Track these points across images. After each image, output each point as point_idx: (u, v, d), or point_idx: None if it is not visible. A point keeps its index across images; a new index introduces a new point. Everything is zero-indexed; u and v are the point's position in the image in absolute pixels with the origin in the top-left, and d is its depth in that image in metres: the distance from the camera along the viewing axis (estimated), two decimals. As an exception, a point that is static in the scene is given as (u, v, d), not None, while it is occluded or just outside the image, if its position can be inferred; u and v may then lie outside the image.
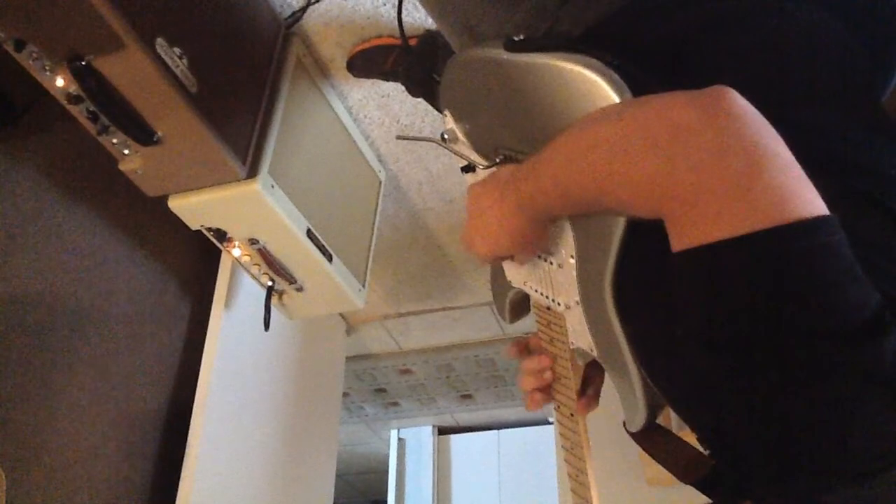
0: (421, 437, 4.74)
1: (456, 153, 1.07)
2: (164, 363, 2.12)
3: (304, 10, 2.04)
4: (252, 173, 1.77)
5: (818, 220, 0.57)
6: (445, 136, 1.07)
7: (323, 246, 2.03)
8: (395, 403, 4.34)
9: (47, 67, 1.45)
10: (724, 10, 0.90)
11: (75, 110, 1.54)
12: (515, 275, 1.05)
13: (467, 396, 4.28)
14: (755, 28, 0.88)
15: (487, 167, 1.00)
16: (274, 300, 2.18)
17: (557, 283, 0.92)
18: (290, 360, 2.60)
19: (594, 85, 0.77)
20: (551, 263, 0.92)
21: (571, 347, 0.93)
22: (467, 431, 4.80)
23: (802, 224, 0.57)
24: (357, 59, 2.16)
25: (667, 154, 0.62)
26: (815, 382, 0.55)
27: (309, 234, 1.96)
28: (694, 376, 0.64)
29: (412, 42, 2.03)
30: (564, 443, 0.92)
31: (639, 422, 0.82)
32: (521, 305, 1.11)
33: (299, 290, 2.15)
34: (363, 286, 2.28)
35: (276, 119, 1.88)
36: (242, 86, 1.80)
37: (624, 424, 0.86)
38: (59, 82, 1.47)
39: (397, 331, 3.57)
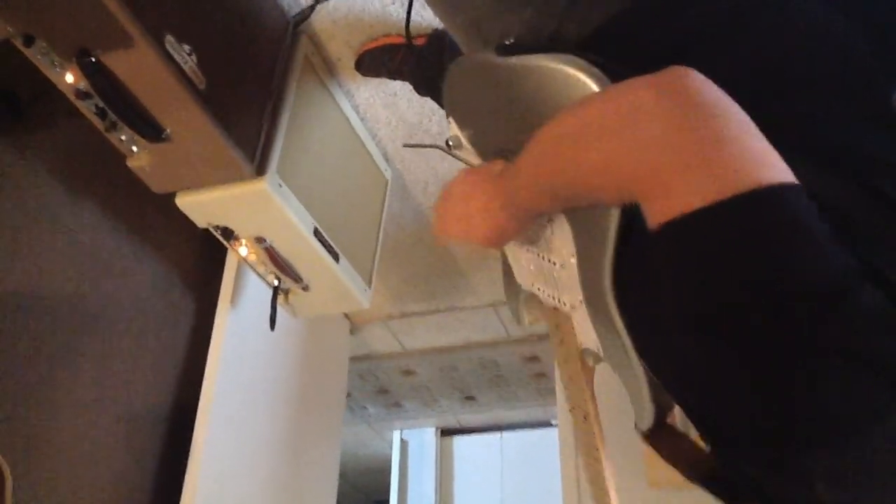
0: (423, 438, 4.73)
1: (461, 160, 1.07)
2: (168, 361, 2.11)
3: (312, 8, 2.04)
4: (260, 172, 1.77)
5: (781, 187, 0.58)
6: (450, 143, 1.08)
7: (330, 245, 2.02)
8: (398, 404, 4.33)
9: (56, 63, 1.44)
10: (725, 7, 0.90)
11: (84, 106, 1.53)
12: (524, 277, 1.05)
13: (470, 398, 4.27)
14: (756, 25, 0.88)
15: None
16: (279, 299, 2.17)
17: (561, 283, 0.93)
18: (294, 359, 2.60)
19: (577, 80, 0.79)
20: (554, 264, 0.93)
21: (581, 348, 0.93)
22: (470, 433, 4.79)
23: (765, 191, 0.57)
24: (365, 57, 2.15)
25: (622, 135, 0.63)
26: (786, 346, 0.55)
27: (316, 233, 1.95)
28: (678, 355, 0.64)
29: (420, 41, 2.03)
30: (581, 447, 0.92)
31: (647, 420, 0.82)
32: (534, 307, 1.11)
33: (305, 289, 2.14)
34: (369, 286, 2.27)
35: (284, 117, 1.88)
36: (250, 84, 1.80)
37: (635, 424, 0.85)
38: (69, 78, 1.46)
39: (401, 331, 3.56)
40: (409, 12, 1.85)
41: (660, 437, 0.85)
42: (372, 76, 2.19)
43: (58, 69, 1.46)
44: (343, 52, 2.18)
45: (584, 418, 0.92)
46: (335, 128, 2.18)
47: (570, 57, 0.81)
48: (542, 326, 1.03)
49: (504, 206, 0.86)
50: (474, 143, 1.05)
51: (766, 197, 0.57)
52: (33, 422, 1.68)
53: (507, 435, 4.72)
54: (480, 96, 1.01)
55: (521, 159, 0.79)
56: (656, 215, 0.61)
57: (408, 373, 3.92)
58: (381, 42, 2.12)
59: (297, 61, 2.00)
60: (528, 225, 0.90)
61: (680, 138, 0.60)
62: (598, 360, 0.93)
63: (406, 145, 2.44)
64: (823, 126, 0.78)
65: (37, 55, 1.43)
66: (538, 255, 0.96)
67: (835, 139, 0.77)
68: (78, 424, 1.78)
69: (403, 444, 4.71)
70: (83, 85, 1.47)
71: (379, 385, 4.07)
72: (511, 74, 0.90)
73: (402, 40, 2.08)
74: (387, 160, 2.48)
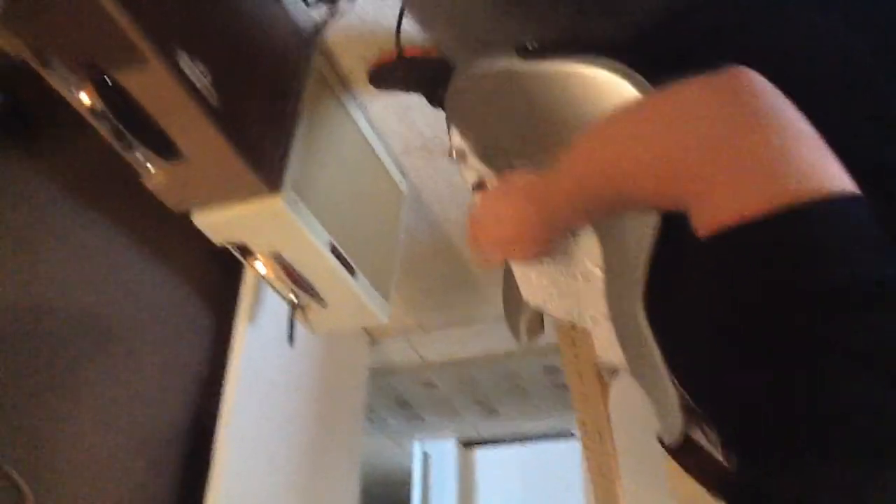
0: (445, 450, 4.71)
1: (466, 170, 1.05)
2: (187, 377, 2.11)
3: (325, 23, 2.04)
4: (275, 188, 1.76)
5: (844, 197, 0.56)
6: (453, 153, 1.06)
7: (346, 260, 2.02)
8: (419, 416, 4.32)
9: (72, 83, 1.45)
10: (724, 19, 0.89)
11: (99, 125, 1.54)
12: (533, 293, 1.03)
13: (491, 409, 4.25)
14: (756, 35, 0.87)
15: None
16: (297, 314, 2.17)
17: (583, 296, 0.91)
18: (313, 372, 2.59)
19: (617, 85, 0.77)
20: (576, 277, 0.91)
21: (598, 364, 0.91)
22: (492, 444, 4.76)
23: (829, 200, 0.55)
24: (378, 71, 2.15)
25: (682, 134, 0.62)
26: (840, 357, 0.53)
27: (332, 248, 1.95)
28: (717, 365, 0.62)
29: (433, 53, 2.02)
30: (590, 465, 0.90)
31: (674, 435, 0.80)
32: (535, 324, 1.09)
33: (323, 304, 2.13)
34: (387, 300, 2.27)
35: (299, 133, 1.88)
36: (264, 100, 1.80)
37: (659, 438, 0.84)
38: (84, 97, 1.47)
39: (420, 343, 3.55)
40: (399, 24, 1.84)
41: (685, 451, 0.84)
42: (386, 89, 2.19)
43: (73, 89, 1.46)
44: (356, 66, 2.18)
45: (599, 436, 0.91)
46: (350, 142, 2.18)
47: (608, 61, 0.78)
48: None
49: (542, 220, 0.84)
50: (481, 152, 1.03)
51: (831, 206, 0.56)
52: (51, 439, 1.68)
53: (529, 446, 4.69)
54: (495, 103, 0.97)
55: (562, 164, 0.77)
56: (710, 219, 0.60)
57: (428, 385, 3.90)
58: (394, 55, 2.11)
59: (311, 76, 2.00)
60: (565, 236, 0.89)
61: (743, 141, 0.59)
62: (614, 375, 0.91)
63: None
64: (830, 129, 0.77)
65: (53, 75, 1.43)
66: (555, 268, 0.95)
67: (844, 142, 0.76)
68: (96, 441, 1.78)
69: (425, 455, 4.69)
70: (98, 104, 1.48)
71: (399, 397, 4.05)
72: (536, 80, 0.86)
73: (417, 52, 2.08)
74: (402, 173, 2.48)
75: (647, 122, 0.66)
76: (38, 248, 1.69)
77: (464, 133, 1.04)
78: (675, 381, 0.76)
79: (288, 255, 1.94)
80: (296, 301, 2.12)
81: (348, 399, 2.95)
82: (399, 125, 2.36)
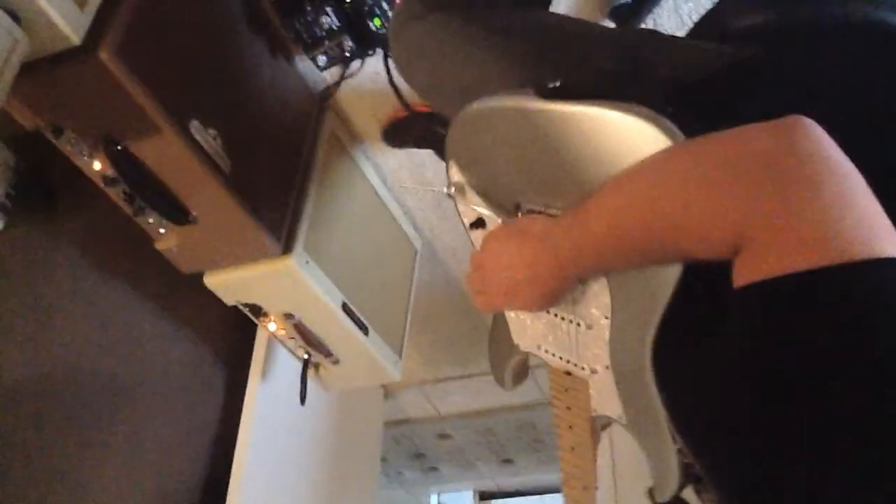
0: (461, 502, 4.65)
1: (463, 206, 1.00)
2: (200, 437, 2.11)
3: (338, 84, 2.06)
4: (287, 249, 1.77)
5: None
6: (453, 190, 1.00)
7: (359, 319, 2.01)
8: (435, 468, 4.27)
9: (84, 152, 1.46)
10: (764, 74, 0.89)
11: (112, 192, 1.55)
12: (526, 338, 1.00)
13: (508, 461, 4.20)
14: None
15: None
16: (310, 372, 2.17)
17: (583, 345, 0.88)
18: (326, 428, 2.57)
19: (651, 134, 0.72)
20: (579, 325, 0.87)
21: (592, 415, 0.89)
22: (510, 497, 4.70)
23: (881, 263, 0.53)
24: (392, 128, 2.17)
25: (750, 181, 0.59)
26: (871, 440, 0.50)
27: (345, 307, 1.95)
28: (734, 425, 0.59)
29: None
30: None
31: (669, 492, 0.78)
32: (522, 370, 1.07)
33: (336, 363, 2.13)
34: (400, 357, 2.26)
35: (311, 193, 1.89)
36: (277, 162, 1.81)
37: (649, 493, 0.82)
38: (97, 166, 1.48)
39: (435, 395, 3.53)
40: (390, 78, 1.85)
41: None
42: (399, 147, 2.20)
43: (86, 157, 1.48)
44: (369, 125, 2.20)
45: (584, 489, 0.88)
46: (363, 200, 2.19)
47: (637, 106, 0.74)
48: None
49: (559, 267, 0.80)
50: (484, 191, 0.97)
51: (882, 269, 0.54)
52: (68, 502, 1.67)
53: (546, 498, 4.62)
54: (503, 140, 0.91)
55: (590, 210, 0.73)
56: (764, 268, 0.57)
57: (444, 436, 3.87)
58: (405, 113, 2.13)
59: (324, 137, 2.02)
60: (576, 284, 0.84)
61: (800, 193, 0.57)
62: (607, 427, 0.89)
63: (403, 188, 2.40)
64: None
65: (66, 145, 1.45)
66: (555, 314, 0.92)
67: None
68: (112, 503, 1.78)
69: (441, 507, 4.64)
70: (110, 172, 1.49)
71: (414, 449, 4.02)
72: (557, 121, 0.81)
73: (425, 108, 2.09)
74: (416, 229, 2.48)
75: (707, 165, 0.63)
76: (55, 311, 1.70)
77: (465, 167, 0.98)
78: (677, 439, 0.74)
79: (300, 315, 1.94)
80: (308, 359, 2.12)
81: (362, 452, 2.92)
82: (412, 181, 2.37)
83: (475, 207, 0.99)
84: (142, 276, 1.94)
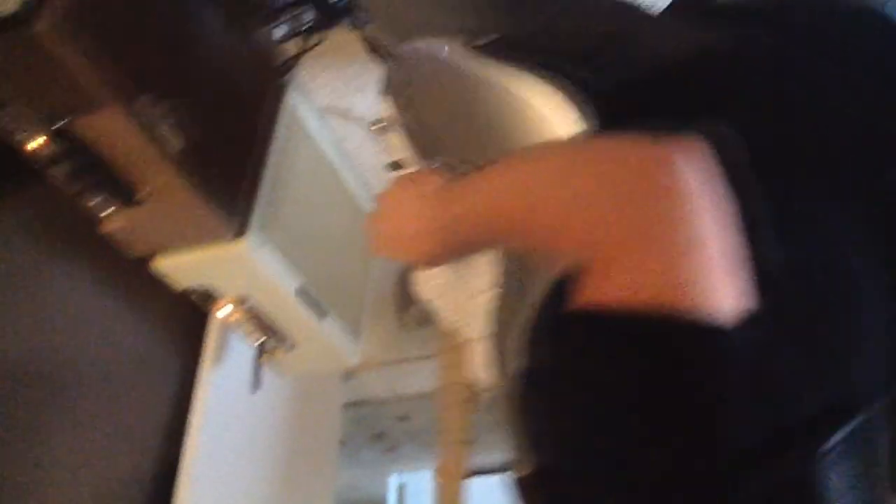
0: (422, 482, 4.63)
1: (386, 144, 0.99)
2: (151, 424, 2.03)
3: (297, 57, 1.98)
4: (241, 231, 1.69)
5: (733, 323, 0.52)
6: (379, 123, 1.00)
7: (315, 303, 1.94)
8: (394, 449, 4.25)
9: (22, 129, 1.37)
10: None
11: (54, 171, 1.46)
12: (427, 290, 0.99)
13: (468, 441, 4.18)
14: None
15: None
16: (265, 358, 2.10)
17: (470, 311, 0.88)
18: (283, 411, 2.51)
19: (565, 115, 0.72)
20: (471, 293, 0.87)
21: (468, 381, 0.89)
22: (472, 475, 4.69)
23: (705, 322, 0.51)
24: None
25: (609, 205, 0.58)
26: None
27: (300, 291, 1.88)
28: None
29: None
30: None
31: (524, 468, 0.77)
32: (423, 317, 1.07)
33: (290, 348, 2.06)
34: (358, 341, 2.20)
35: (268, 172, 1.81)
36: (231, 139, 1.73)
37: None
38: (34, 144, 1.39)
39: (395, 377, 3.49)
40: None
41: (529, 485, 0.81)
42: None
43: (25, 133, 1.39)
44: (331, 100, 2.12)
45: (461, 443, 0.88)
46: (323, 178, 2.12)
47: (565, 83, 0.72)
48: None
49: (440, 232, 0.79)
50: (411, 133, 0.96)
51: (703, 329, 0.51)
52: (7, 491, 1.60)
53: (508, 476, 4.61)
54: (436, 90, 0.91)
55: (470, 187, 0.73)
56: (581, 292, 0.57)
57: (403, 418, 3.84)
58: None
59: (284, 112, 1.94)
60: (463, 253, 0.84)
61: (648, 231, 0.55)
62: (481, 395, 0.89)
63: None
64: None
65: (3, 120, 1.36)
66: (457, 273, 0.91)
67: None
68: (55, 495, 1.70)
69: (401, 487, 4.61)
70: (50, 150, 1.40)
71: (374, 430, 3.98)
72: (482, 84, 0.80)
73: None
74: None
75: (574, 170, 0.62)
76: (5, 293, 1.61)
77: (400, 108, 0.97)
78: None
79: (254, 300, 1.87)
80: (262, 345, 2.05)
81: (321, 434, 2.87)
82: (375, 158, 2.30)
83: (398, 149, 0.99)
84: (90, 260, 1.84)
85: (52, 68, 1.25)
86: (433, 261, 0.85)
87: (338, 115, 2.15)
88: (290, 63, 1.98)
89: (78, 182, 1.48)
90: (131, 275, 1.93)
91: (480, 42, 0.85)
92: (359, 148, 2.24)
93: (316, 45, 1.94)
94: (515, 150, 0.72)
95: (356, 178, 2.29)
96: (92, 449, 1.82)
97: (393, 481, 4.61)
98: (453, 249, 0.82)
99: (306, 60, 1.99)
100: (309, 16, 1.88)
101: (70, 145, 1.38)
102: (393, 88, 0.98)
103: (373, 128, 1.00)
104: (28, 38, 1.19)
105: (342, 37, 1.95)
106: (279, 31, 1.88)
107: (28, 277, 1.69)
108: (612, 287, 0.54)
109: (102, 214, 1.58)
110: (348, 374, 3.30)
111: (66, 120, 1.35)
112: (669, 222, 0.54)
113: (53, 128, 1.35)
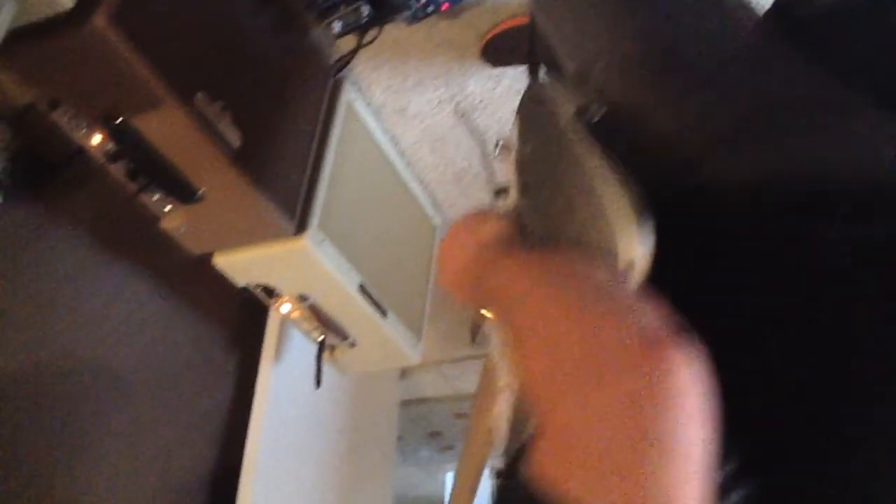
0: (478, 480, 4.60)
1: (504, 167, 0.96)
2: (209, 425, 2.02)
3: (353, 53, 1.95)
4: (301, 228, 1.67)
5: None
6: (499, 144, 0.96)
7: (376, 300, 1.92)
8: (451, 447, 4.23)
9: (83, 126, 1.36)
10: None
11: (113, 168, 1.45)
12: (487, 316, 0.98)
13: (524, 439, 4.15)
14: None
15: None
16: (325, 355, 2.08)
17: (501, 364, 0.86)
18: (341, 410, 2.49)
19: (619, 222, 0.66)
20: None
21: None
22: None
23: None
24: (493, 43, 1.96)
25: (583, 374, 0.56)
26: None
27: (362, 288, 1.85)
28: None
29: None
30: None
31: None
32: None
33: (352, 345, 2.04)
34: (419, 340, 2.17)
35: (326, 169, 1.79)
36: (290, 136, 1.70)
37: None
38: (96, 140, 1.38)
39: (452, 375, 3.46)
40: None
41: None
42: (501, 66, 2.02)
43: (85, 131, 1.38)
44: (387, 97, 2.09)
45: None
46: (380, 176, 2.09)
47: (627, 186, 0.67)
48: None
49: (473, 286, 0.80)
50: (519, 170, 0.92)
51: None
52: (66, 498, 1.59)
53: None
54: (542, 145, 0.88)
55: (506, 274, 0.73)
56: (534, 464, 0.56)
57: (460, 416, 3.81)
58: (507, 24, 1.92)
59: (340, 109, 1.91)
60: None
61: (624, 432, 0.53)
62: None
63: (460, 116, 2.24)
64: None
65: (62, 118, 1.35)
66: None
67: None
68: (114, 498, 1.69)
69: (457, 485, 4.58)
70: (111, 147, 1.39)
71: (431, 428, 3.97)
72: (577, 163, 0.75)
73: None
74: (434, 206, 2.38)
75: (581, 318, 0.60)
76: (54, 295, 1.61)
77: (519, 138, 0.94)
78: None
79: (315, 297, 1.85)
80: (323, 342, 2.03)
81: (379, 433, 2.85)
82: (432, 156, 2.27)
83: (509, 178, 0.93)
84: (148, 258, 1.84)
85: (109, 64, 1.23)
86: (471, 306, 0.86)
87: (394, 113, 2.12)
88: (347, 59, 1.95)
89: (136, 180, 1.47)
90: (185, 275, 1.93)
91: (595, 117, 0.81)
92: (415, 145, 2.21)
93: (372, 41, 1.91)
94: (565, 258, 0.69)
95: (413, 177, 2.26)
96: (151, 448, 1.81)
97: (449, 479, 4.59)
98: (484, 304, 0.82)
99: (362, 56, 1.96)
100: (365, 11, 1.84)
101: (128, 143, 1.37)
102: (520, 117, 0.95)
103: (497, 148, 0.96)
104: (85, 34, 1.18)
105: (398, 32, 1.92)
106: (335, 27, 1.86)
107: (88, 277, 1.69)
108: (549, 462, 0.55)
109: (161, 212, 1.57)
110: (405, 372, 3.28)
111: (123, 117, 1.34)
112: (654, 431, 0.52)
113: (111, 123, 1.34)
